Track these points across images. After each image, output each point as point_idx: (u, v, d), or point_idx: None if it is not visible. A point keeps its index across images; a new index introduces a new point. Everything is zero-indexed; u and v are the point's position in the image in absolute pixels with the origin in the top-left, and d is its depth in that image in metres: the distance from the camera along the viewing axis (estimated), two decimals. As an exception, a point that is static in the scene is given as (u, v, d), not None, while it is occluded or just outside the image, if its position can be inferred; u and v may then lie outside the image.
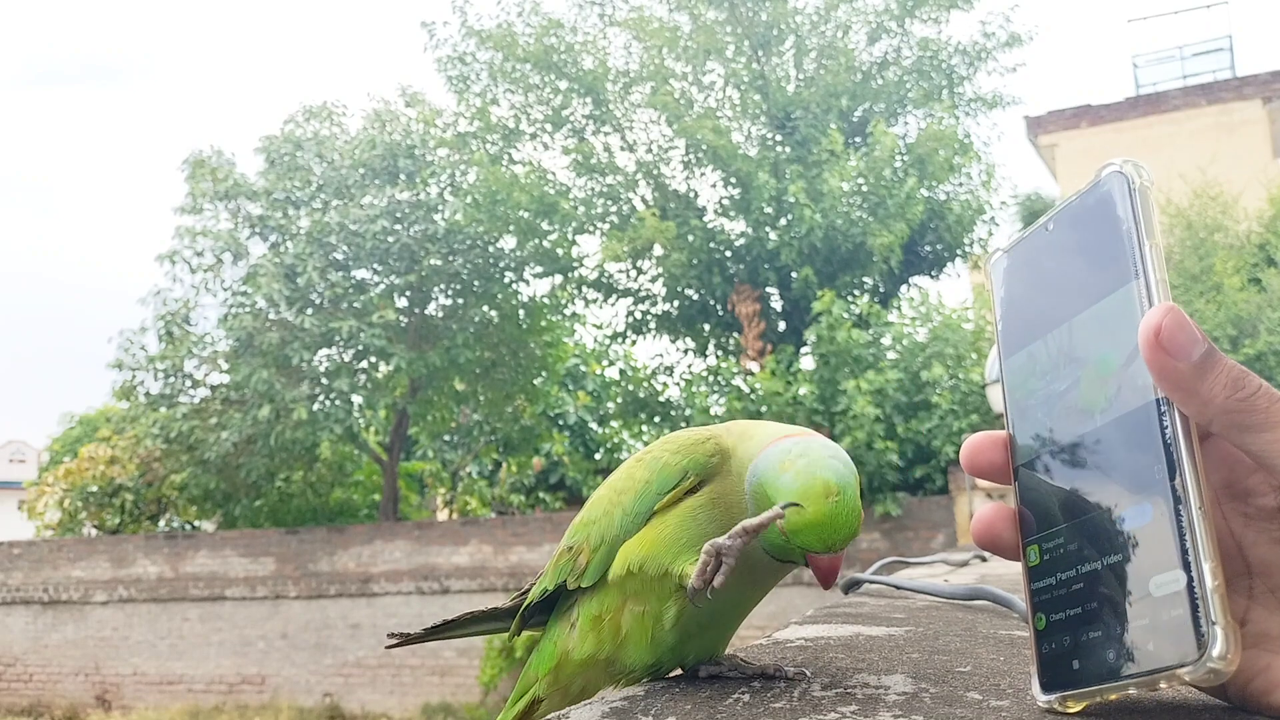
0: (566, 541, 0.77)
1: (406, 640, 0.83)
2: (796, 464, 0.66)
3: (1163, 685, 0.44)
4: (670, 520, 0.71)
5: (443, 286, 15.09)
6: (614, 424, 16.58)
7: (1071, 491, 0.50)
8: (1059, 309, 0.52)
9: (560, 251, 14.44)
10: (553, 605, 0.79)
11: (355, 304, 14.23)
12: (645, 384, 14.05)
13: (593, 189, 14.42)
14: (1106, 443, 0.48)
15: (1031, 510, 0.53)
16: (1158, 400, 0.46)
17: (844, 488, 0.65)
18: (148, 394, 14.92)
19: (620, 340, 15.06)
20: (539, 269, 14.80)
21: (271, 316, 14.25)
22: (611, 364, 16.82)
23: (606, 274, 14.40)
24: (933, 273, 14.29)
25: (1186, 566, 0.43)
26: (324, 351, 14.51)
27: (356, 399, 14.46)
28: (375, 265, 14.67)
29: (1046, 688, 0.50)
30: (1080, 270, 0.51)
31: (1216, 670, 0.42)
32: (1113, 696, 0.47)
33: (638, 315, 14.70)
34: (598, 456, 17.52)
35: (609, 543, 0.72)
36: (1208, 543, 0.43)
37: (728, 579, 0.64)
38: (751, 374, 12.71)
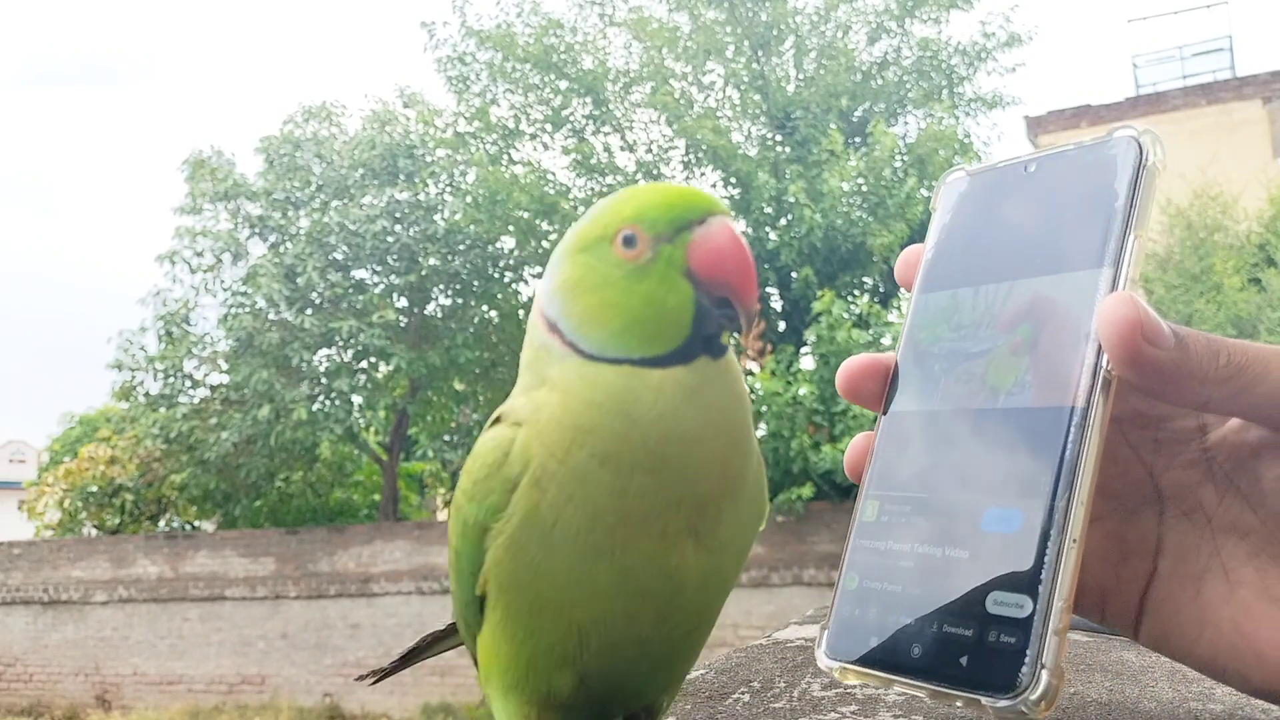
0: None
1: (382, 675, 0.70)
2: None
3: (958, 704, 0.40)
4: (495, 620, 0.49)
5: (443, 286, 15.09)
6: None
7: (939, 463, 0.44)
8: (1006, 263, 0.45)
9: (560, 252, 14.45)
10: None
11: (355, 304, 14.23)
12: (645, 384, 13.97)
13: (593, 189, 14.42)
14: (998, 429, 0.42)
15: (885, 463, 0.46)
16: (1073, 408, 0.40)
17: None
18: (147, 394, 14.91)
19: (620, 340, 15.05)
20: (539, 269, 14.81)
21: (271, 316, 14.25)
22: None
23: (606, 274, 14.39)
24: (933, 273, 14.29)
25: (1037, 597, 0.38)
26: (324, 351, 14.51)
27: (356, 399, 14.46)
28: (375, 265, 14.67)
29: (833, 652, 0.44)
30: (1047, 231, 0.44)
31: (1025, 715, 0.38)
32: (897, 689, 0.42)
33: (638, 315, 14.70)
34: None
35: (464, 610, 0.53)
36: (1069, 579, 0.38)
37: None
38: (751, 374, 12.71)
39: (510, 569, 0.46)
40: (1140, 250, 0.42)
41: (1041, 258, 0.44)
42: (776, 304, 14.00)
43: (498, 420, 0.49)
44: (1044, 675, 0.37)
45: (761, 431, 11.49)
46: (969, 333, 0.45)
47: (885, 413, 0.47)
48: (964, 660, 0.39)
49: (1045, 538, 0.39)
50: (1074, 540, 0.39)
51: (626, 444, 0.44)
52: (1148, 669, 0.70)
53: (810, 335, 12.01)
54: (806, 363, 12.74)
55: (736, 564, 0.49)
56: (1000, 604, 0.39)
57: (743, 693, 0.66)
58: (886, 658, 0.42)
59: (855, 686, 0.65)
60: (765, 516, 0.50)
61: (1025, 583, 0.39)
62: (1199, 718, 0.51)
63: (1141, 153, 0.43)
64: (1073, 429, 0.40)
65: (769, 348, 12.99)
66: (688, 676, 0.73)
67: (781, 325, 13.89)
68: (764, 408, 11.60)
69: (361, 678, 0.70)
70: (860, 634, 0.43)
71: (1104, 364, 0.40)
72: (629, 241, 0.45)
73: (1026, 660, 0.37)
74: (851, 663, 0.43)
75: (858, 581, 0.44)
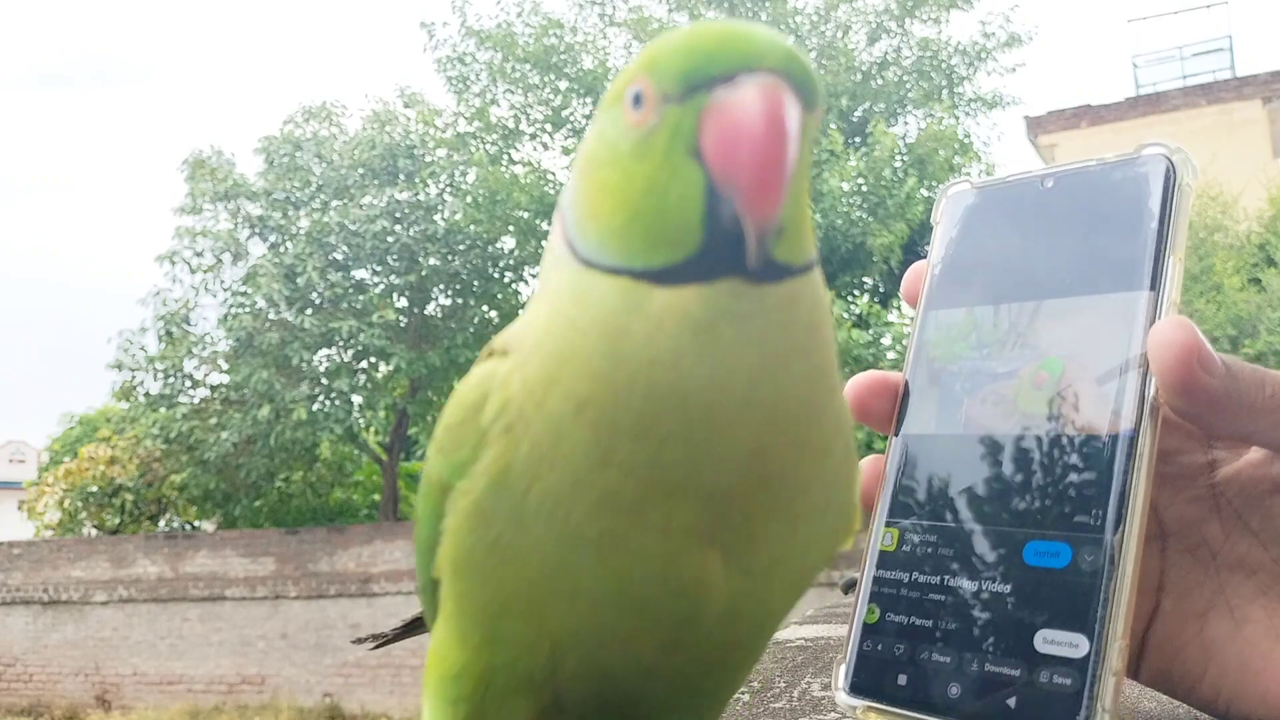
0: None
1: (384, 641, 0.61)
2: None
3: None
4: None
5: (443, 286, 15.10)
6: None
7: (969, 490, 0.40)
8: (1029, 281, 0.43)
9: (560, 252, 14.48)
10: None
11: (355, 304, 14.24)
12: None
13: (592, 189, 14.45)
14: (1036, 457, 0.39)
15: (903, 488, 0.43)
16: (1119, 436, 0.38)
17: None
18: (147, 394, 14.92)
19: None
20: (539, 269, 14.82)
21: (271, 316, 14.26)
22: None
23: (606, 274, 14.42)
24: (933, 273, 14.31)
25: (1094, 635, 0.35)
26: (324, 351, 14.52)
27: (356, 399, 14.46)
28: (375, 265, 14.68)
29: (855, 691, 0.41)
30: (1075, 250, 0.42)
31: None
32: None
33: (638, 315, 14.72)
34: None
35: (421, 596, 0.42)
36: (1125, 618, 0.36)
37: None
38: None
39: (469, 546, 0.33)
40: (1179, 272, 0.40)
41: (1071, 277, 0.41)
42: (776, 304, 14.02)
43: (490, 353, 0.36)
44: (1104, 719, 0.35)
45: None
46: (993, 352, 0.42)
47: (897, 434, 0.45)
48: (1011, 702, 0.36)
49: (1099, 573, 0.36)
50: (1128, 576, 0.36)
51: (608, 390, 0.30)
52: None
53: (810, 335, 12.03)
54: (806, 363, 12.76)
55: (788, 597, 0.36)
56: (1051, 643, 0.36)
57: (743, 693, 0.66)
58: (918, 697, 0.38)
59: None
60: (845, 536, 0.38)
61: (1079, 621, 0.36)
62: (1199, 718, 0.51)
63: (1173, 171, 0.41)
64: (1123, 458, 0.37)
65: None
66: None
67: (781, 325, 13.91)
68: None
69: (360, 640, 0.61)
70: (886, 671, 0.40)
71: (1151, 390, 0.38)
72: (636, 100, 0.31)
73: (1084, 703, 0.35)
74: (877, 702, 0.40)
75: (879, 614, 0.41)
